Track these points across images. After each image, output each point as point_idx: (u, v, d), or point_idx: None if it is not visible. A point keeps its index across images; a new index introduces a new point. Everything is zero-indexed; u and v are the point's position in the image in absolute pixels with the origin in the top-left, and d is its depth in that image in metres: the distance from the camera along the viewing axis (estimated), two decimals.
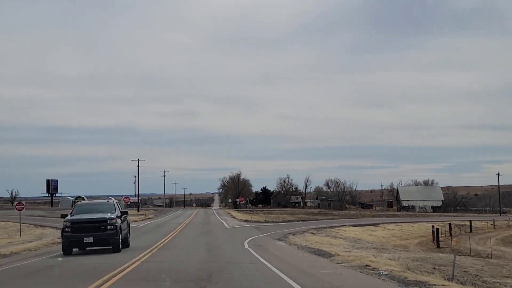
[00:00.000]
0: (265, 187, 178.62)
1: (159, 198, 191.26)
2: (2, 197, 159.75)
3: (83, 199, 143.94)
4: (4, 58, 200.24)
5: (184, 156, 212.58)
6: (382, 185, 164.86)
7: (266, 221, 59.32)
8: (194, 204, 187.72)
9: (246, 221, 59.31)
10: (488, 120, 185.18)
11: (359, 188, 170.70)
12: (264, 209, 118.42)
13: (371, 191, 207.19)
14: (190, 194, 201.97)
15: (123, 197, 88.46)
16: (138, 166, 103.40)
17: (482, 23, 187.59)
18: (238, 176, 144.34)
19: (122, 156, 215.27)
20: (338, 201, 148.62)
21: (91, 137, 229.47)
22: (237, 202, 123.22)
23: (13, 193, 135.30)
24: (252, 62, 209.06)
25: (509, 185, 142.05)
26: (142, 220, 62.96)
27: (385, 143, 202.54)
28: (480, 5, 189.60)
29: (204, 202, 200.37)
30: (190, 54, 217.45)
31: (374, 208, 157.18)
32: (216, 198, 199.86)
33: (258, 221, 59.45)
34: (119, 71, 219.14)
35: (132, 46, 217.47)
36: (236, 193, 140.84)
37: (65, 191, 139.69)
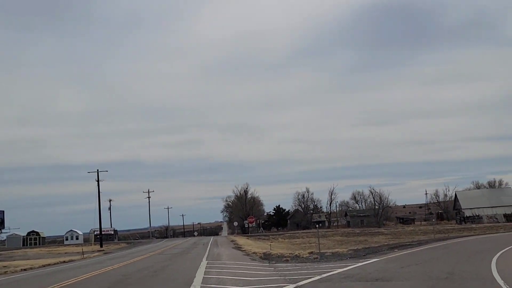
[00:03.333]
0: (279, 205, 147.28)
1: (156, 230, 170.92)
2: None
3: (37, 234, 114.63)
4: (5, 98, 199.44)
5: (191, 186, 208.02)
6: (426, 193, 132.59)
7: (320, 256, 27.80)
8: (195, 234, 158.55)
9: (273, 259, 27.69)
10: (492, 131, 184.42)
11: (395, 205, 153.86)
12: (282, 233, 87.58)
13: (404, 206, 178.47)
14: (199, 223, 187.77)
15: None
16: (99, 196, 73.09)
17: (478, 35, 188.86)
18: (245, 191, 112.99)
19: (127, 189, 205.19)
20: (374, 217, 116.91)
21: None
22: (246, 225, 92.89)
23: None
24: (254, 88, 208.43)
25: None
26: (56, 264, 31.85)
27: (392, 160, 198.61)
28: (473, 18, 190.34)
29: (212, 231, 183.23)
30: (191, 83, 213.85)
31: (415, 223, 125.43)
32: (225, 226, 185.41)
33: (300, 257, 27.92)
34: (121, 105, 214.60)
35: (133, 79, 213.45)
36: (244, 214, 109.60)
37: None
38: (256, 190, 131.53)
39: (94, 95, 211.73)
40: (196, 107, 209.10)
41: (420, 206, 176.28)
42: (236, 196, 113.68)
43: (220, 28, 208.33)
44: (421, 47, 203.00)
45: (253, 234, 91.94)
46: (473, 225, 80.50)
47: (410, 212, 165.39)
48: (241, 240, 63.40)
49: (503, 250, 25.67)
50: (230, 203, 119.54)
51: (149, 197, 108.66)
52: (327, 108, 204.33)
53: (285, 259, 24.86)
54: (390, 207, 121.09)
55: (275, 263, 22.83)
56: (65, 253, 62.07)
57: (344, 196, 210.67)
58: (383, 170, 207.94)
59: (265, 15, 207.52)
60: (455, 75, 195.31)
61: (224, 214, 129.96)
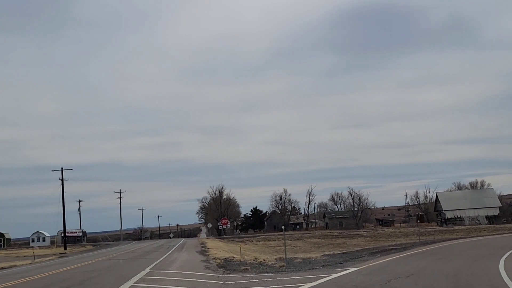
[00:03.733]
0: (256, 207, 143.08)
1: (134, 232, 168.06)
2: None
3: (2, 235, 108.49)
4: None
5: (171, 187, 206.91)
6: (406, 194, 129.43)
7: (287, 264, 23.31)
8: (171, 235, 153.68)
9: (232, 267, 23.32)
10: (469, 134, 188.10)
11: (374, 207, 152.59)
12: (258, 235, 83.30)
13: (383, 208, 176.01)
14: (177, 225, 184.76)
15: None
16: (62, 196, 68.05)
17: (455, 39, 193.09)
18: (220, 192, 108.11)
19: (105, 191, 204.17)
20: (353, 218, 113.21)
21: (74, 174, 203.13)
22: (220, 227, 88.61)
23: None
24: (234, 90, 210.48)
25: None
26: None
27: (370, 163, 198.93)
28: (451, 22, 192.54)
29: (190, 233, 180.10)
30: (171, 85, 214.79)
31: (394, 225, 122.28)
32: (204, 228, 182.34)
33: (264, 265, 23.54)
34: (101, 106, 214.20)
35: (111, 81, 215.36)
36: (219, 215, 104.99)
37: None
38: (231, 191, 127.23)
39: (73, 96, 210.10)
40: (175, 109, 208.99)
41: (399, 208, 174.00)
42: (211, 197, 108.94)
43: (200, 30, 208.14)
44: (399, 51, 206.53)
45: (228, 236, 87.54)
46: (455, 227, 77.17)
47: (389, 214, 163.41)
48: (212, 243, 58.89)
49: (504, 256, 21.70)
50: (206, 204, 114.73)
51: (120, 198, 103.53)
52: (306, 111, 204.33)
53: (244, 267, 20.50)
54: (369, 208, 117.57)
55: (230, 273, 18.47)
56: (24, 256, 57.34)
57: (323, 198, 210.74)
58: (362, 172, 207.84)
59: (244, 18, 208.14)
60: (433, 78, 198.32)
61: (200, 216, 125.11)
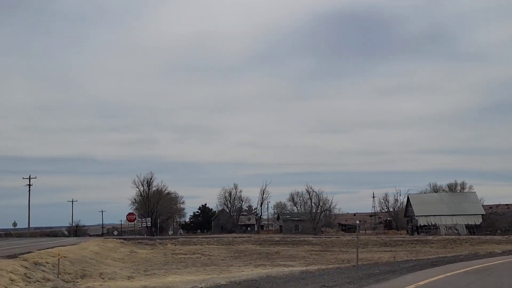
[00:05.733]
0: (205, 204, 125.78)
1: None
2: None
3: None
4: None
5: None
6: (373, 196, 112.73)
7: None
8: (115, 233, 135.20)
9: None
10: (444, 144, 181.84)
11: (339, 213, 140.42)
12: (197, 236, 66.28)
13: (354, 214, 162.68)
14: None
15: None
16: None
17: (431, 49, 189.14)
18: (149, 183, 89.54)
19: (77, 186, 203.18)
20: (310, 222, 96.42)
21: (47, 168, 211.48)
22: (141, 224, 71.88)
23: None
24: (209, 90, 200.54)
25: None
26: None
27: (344, 169, 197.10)
28: (428, 32, 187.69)
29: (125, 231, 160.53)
30: (147, 82, 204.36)
31: (359, 231, 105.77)
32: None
33: None
34: (75, 100, 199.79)
35: (87, 75, 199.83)
36: (146, 211, 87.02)
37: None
38: (163, 182, 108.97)
39: (47, 89, 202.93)
40: (150, 106, 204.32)
41: (371, 215, 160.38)
42: (138, 189, 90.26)
43: (178, 28, 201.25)
44: (377, 58, 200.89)
45: (141, 238, 70.11)
46: (429, 237, 60.82)
47: (360, 220, 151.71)
48: (95, 247, 41.41)
49: None
50: (136, 199, 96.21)
51: (29, 185, 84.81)
52: (282, 114, 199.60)
53: None
54: (329, 210, 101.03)
55: None
56: None
57: (281, 197, 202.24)
58: (336, 178, 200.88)
59: (223, 18, 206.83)
60: (409, 87, 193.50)
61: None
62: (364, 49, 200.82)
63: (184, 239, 60.17)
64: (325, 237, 61.06)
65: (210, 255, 42.49)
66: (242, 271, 29.62)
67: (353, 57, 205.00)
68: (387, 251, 49.30)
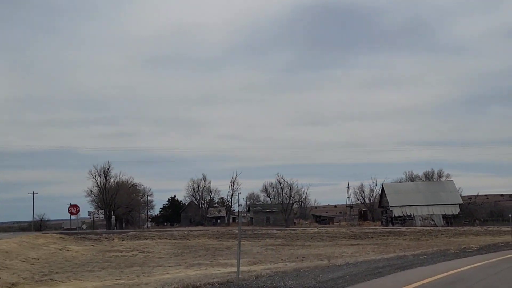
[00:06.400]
0: (174, 196, 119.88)
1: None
2: None
3: None
4: None
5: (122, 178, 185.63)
6: (348, 186, 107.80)
7: None
8: (84, 226, 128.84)
9: None
10: (424, 136, 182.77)
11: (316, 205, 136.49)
12: (150, 230, 60.55)
13: (335, 206, 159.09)
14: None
15: None
16: None
17: (411, 42, 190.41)
18: (106, 173, 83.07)
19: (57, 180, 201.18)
20: (282, 213, 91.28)
21: (29, 162, 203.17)
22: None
23: None
24: (190, 83, 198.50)
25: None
26: None
27: (325, 161, 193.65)
28: (407, 23, 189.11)
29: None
30: (128, 75, 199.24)
31: (334, 222, 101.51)
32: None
33: None
34: (56, 93, 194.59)
35: (67, 68, 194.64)
36: (104, 204, 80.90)
37: None
38: (122, 172, 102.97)
39: (26, 82, 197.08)
40: (131, 99, 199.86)
41: (352, 206, 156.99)
42: (95, 180, 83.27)
43: (159, 20, 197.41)
44: (357, 51, 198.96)
45: (83, 232, 64.39)
46: (403, 229, 56.04)
47: (340, 212, 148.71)
48: (14, 244, 35.80)
49: None
50: (92, 190, 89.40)
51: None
52: (263, 107, 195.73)
53: None
54: (302, 201, 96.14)
55: None
56: None
57: (254, 187, 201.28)
58: (317, 170, 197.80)
59: (202, 8, 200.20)
60: (389, 79, 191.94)
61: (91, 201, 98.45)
62: (344, 42, 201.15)
63: (134, 233, 54.61)
64: (290, 230, 55.96)
65: (149, 252, 37.13)
66: (167, 273, 24.62)
67: (333, 50, 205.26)
68: (354, 244, 44.32)
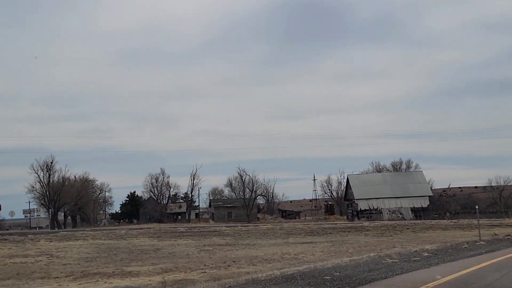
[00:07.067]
0: (134, 192, 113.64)
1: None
2: None
3: None
4: None
5: (100, 175, 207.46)
6: (314, 179, 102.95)
7: None
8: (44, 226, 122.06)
9: None
10: (398, 129, 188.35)
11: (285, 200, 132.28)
12: (85, 229, 54.51)
13: (310, 200, 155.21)
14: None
15: None
16: None
17: (384, 35, 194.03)
18: (49, 168, 76.18)
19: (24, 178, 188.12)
20: (244, 208, 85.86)
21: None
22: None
23: None
24: (165, 77, 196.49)
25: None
26: None
27: (301, 155, 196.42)
28: (380, 16, 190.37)
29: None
30: (100, 70, 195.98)
31: (300, 217, 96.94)
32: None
33: None
34: (24, 90, 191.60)
35: (40, 64, 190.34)
36: (47, 201, 74.27)
37: None
38: (68, 168, 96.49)
39: None
40: (104, 95, 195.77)
41: (316, 200, 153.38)
42: (38, 176, 76.22)
43: (132, 14, 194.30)
44: (332, 44, 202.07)
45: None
46: (366, 224, 51.08)
47: (315, 206, 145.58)
48: None
49: None
50: (34, 186, 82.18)
51: None
52: (239, 101, 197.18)
53: None
54: (265, 196, 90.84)
55: None
56: None
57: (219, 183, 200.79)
58: (292, 164, 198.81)
59: (176, 1, 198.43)
60: (364, 73, 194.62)
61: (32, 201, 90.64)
62: (319, 35, 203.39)
63: (65, 233, 48.48)
64: (241, 226, 50.48)
65: (58, 258, 31.11)
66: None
67: (309, 43, 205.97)
68: (306, 242, 38.86)
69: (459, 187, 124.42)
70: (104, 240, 45.10)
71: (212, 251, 33.68)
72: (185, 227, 51.74)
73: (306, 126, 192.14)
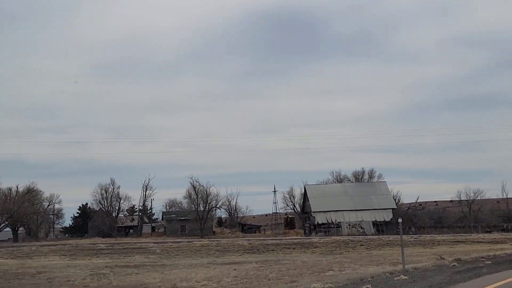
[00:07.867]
0: (86, 204, 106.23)
1: None
2: None
3: None
4: None
5: (76, 188, 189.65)
6: (274, 190, 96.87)
7: None
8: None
9: None
10: (376, 143, 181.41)
11: (249, 214, 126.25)
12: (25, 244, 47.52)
13: (266, 215, 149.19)
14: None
15: None
16: None
17: (362, 50, 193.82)
18: None
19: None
20: (198, 221, 79.25)
21: None
22: None
23: None
24: (142, 90, 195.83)
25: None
26: None
27: (279, 168, 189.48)
28: (359, 31, 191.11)
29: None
30: (79, 83, 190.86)
31: (260, 231, 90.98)
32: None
33: None
34: (4, 102, 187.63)
35: (17, 76, 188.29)
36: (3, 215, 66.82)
37: None
38: (35, 183, 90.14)
39: None
40: (82, 107, 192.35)
41: (287, 214, 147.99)
42: None
43: (110, 27, 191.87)
44: (311, 58, 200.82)
45: None
46: (315, 239, 45.07)
47: (276, 220, 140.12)
48: None
49: None
50: None
51: None
52: (218, 114, 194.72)
53: None
54: (222, 208, 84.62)
55: None
56: None
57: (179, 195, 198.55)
58: (269, 178, 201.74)
59: (154, 13, 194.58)
60: (342, 87, 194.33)
61: None
62: (298, 49, 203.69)
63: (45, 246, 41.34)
64: (171, 243, 44.07)
65: None
66: None
67: (287, 57, 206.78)
68: (234, 263, 32.64)
69: (435, 201, 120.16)
70: (5, 259, 38.27)
71: (107, 276, 27.15)
72: (107, 243, 45.22)
73: (282, 140, 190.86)
